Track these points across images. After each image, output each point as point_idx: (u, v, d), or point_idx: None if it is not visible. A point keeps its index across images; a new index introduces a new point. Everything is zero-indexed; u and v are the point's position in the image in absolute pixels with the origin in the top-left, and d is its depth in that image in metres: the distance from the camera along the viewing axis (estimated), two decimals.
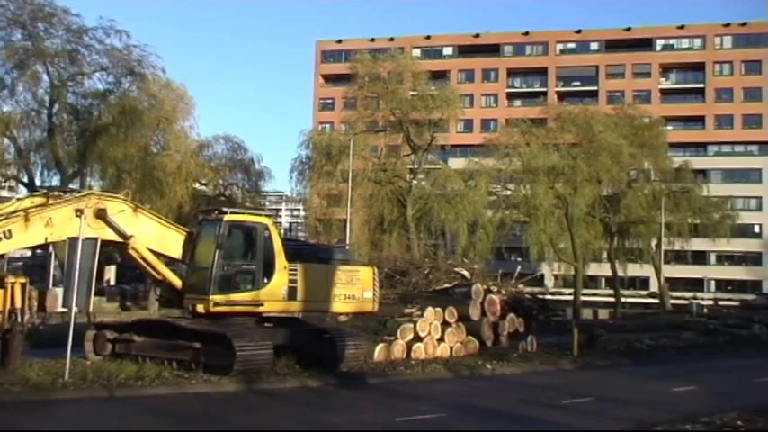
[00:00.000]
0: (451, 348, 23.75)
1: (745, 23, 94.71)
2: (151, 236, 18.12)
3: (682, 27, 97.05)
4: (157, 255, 18.32)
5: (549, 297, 52.97)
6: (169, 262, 18.92)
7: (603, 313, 57.13)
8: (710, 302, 70.46)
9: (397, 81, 54.55)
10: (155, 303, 22.23)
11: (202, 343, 17.12)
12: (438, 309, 23.98)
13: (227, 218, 18.04)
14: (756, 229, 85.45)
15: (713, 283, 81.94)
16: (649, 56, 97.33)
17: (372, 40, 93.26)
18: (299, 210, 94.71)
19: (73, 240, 16.08)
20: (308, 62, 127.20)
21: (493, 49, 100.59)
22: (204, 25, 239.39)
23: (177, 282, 18.42)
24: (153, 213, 19.50)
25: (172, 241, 18.55)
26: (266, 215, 19.99)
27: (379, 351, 21.38)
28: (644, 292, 76.87)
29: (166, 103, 46.37)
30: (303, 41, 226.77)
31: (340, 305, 20.31)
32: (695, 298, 69.49)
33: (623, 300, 65.00)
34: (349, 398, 16.59)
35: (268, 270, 18.36)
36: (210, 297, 17.45)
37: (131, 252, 17.87)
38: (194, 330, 17.51)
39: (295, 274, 18.78)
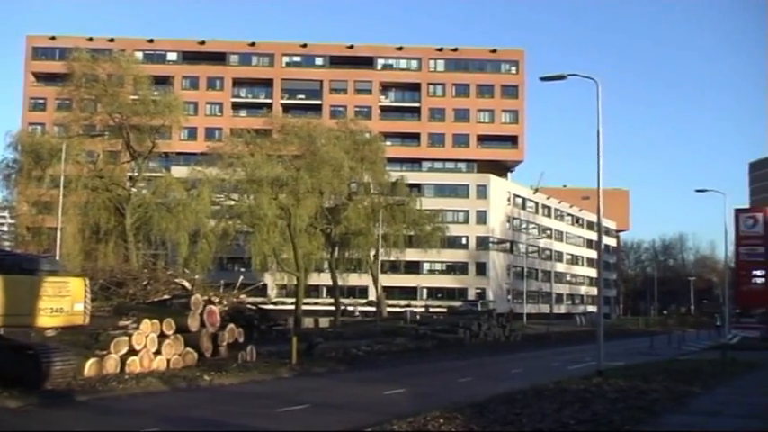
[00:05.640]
0: (169, 361, 23.16)
1: (456, 49, 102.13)
2: None
3: (400, 48, 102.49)
4: None
5: (271, 307, 53.45)
6: None
7: (324, 322, 58.50)
8: (422, 309, 74.90)
9: (118, 84, 52.37)
10: None
11: None
12: (155, 320, 23.29)
13: None
14: (464, 240, 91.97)
15: (425, 291, 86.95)
16: (370, 73, 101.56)
17: (90, 39, 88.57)
18: (5, 217, 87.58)
19: None
20: (17, 58, 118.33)
21: (218, 58, 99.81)
22: None
23: None
24: None
25: None
26: None
27: (89, 366, 20.33)
28: (363, 301, 79.94)
29: None
30: (11, 35, 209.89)
31: (46, 319, 18.95)
32: (409, 305, 73.54)
33: (343, 308, 67.11)
34: (54, 417, 15.54)
35: None
36: None
37: None
38: None
39: None
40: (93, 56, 54.25)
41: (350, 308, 75.44)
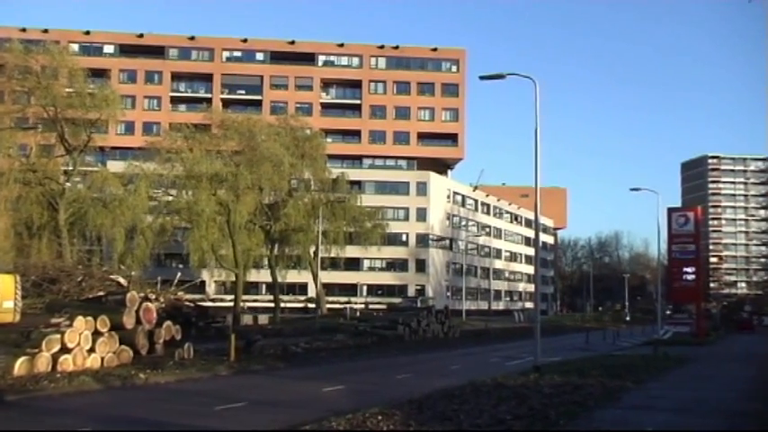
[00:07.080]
0: (103, 359, 22.73)
1: (397, 47, 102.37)
2: None
3: (341, 45, 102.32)
4: None
5: (209, 304, 52.81)
6: None
7: (263, 319, 58.00)
8: (362, 306, 75.00)
9: (52, 76, 51.09)
10: None
11: None
12: (89, 318, 22.82)
13: None
14: (404, 237, 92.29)
15: (365, 288, 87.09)
16: (311, 70, 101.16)
17: (24, 29, 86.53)
18: None
19: None
20: None
21: (157, 51, 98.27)
22: None
23: None
24: None
25: None
26: None
27: (20, 365, 19.82)
28: (302, 298, 79.68)
29: None
30: None
31: None
32: (349, 302, 73.55)
33: (283, 305, 66.75)
34: None
35: None
36: None
37: None
38: None
39: None
40: (26, 47, 52.90)
41: (311, 305, 74.99)
